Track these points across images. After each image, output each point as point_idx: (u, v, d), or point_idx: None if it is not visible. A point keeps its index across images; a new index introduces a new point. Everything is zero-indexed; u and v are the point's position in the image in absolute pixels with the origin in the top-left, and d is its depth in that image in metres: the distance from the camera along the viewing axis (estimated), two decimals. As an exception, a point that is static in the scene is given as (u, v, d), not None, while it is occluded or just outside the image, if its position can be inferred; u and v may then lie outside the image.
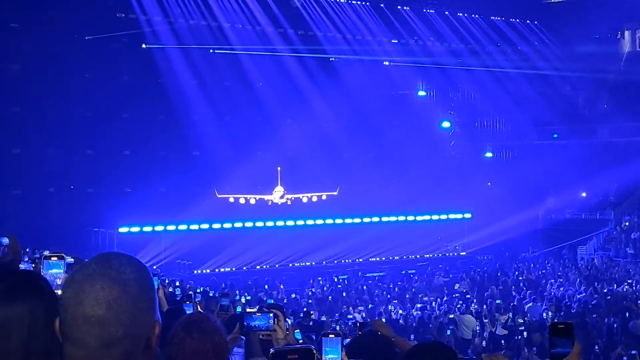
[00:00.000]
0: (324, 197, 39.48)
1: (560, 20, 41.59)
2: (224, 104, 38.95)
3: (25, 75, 34.44)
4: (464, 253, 41.59)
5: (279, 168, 37.80)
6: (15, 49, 33.65)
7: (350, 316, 23.14)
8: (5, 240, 7.02)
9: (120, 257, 2.27)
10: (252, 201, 38.09)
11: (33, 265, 6.35)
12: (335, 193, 38.94)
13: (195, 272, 34.11)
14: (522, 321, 20.41)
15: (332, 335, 3.83)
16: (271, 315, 4.80)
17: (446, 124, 46.05)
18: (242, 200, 37.87)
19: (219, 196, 36.54)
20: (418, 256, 39.90)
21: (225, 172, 37.01)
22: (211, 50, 38.02)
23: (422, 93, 45.64)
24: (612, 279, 30.88)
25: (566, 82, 45.51)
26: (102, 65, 36.17)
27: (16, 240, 7.02)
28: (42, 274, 3.60)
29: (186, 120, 38.88)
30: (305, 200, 39.22)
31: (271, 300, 22.75)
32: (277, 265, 36.48)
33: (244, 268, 35.56)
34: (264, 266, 36.08)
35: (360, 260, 38.32)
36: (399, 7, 42.82)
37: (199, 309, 8.38)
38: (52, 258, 3.75)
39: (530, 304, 24.32)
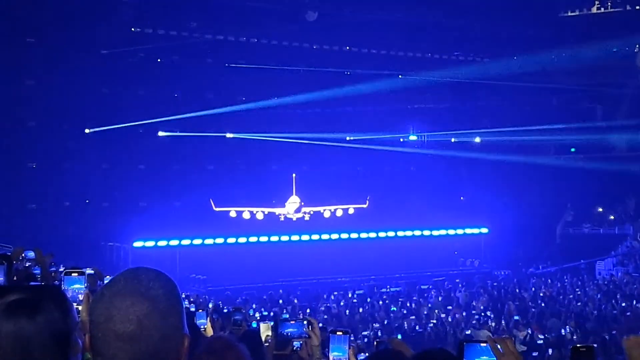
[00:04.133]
0: (351, 211, 38.97)
1: (577, 34, 41.34)
2: (239, 117, 38.94)
3: (41, 90, 34.61)
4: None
5: (293, 175, 37.37)
6: (31, 63, 33.82)
7: (366, 332, 22.89)
8: (31, 254, 7.04)
9: (149, 272, 2.29)
10: (260, 216, 37.49)
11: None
12: (365, 206, 38.40)
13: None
14: (542, 337, 20.15)
15: (340, 333, 3.96)
16: (305, 322, 4.94)
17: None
18: (246, 215, 37.31)
19: (217, 209, 36.06)
20: (434, 272, 39.56)
21: (239, 185, 36.94)
22: (226, 64, 38.01)
23: None
24: (632, 294, 30.47)
25: (584, 95, 45.21)
26: (118, 79, 36.30)
27: (42, 253, 7.03)
28: (63, 289, 3.57)
29: (201, 134, 38.86)
30: (327, 214, 38.62)
31: (286, 315, 22.56)
32: (291, 280, 36.22)
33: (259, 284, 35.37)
34: (279, 281, 35.84)
35: (375, 277, 37.97)
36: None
37: (212, 326, 8.27)
38: (73, 274, 3.78)
39: (551, 320, 24.01)
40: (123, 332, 2.17)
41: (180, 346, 2.28)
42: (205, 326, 7.84)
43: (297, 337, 4.94)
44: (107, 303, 2.21)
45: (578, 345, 3.60)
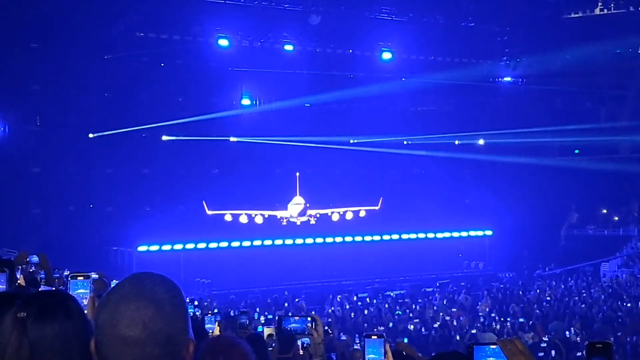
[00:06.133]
0: (362, 214, 38.65)
1: (580, 35, 41.28)
2: (244, 121, 38.96)
3: (44, 95, 34.68)
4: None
5: (297, 174, 37.16)
6: (35, 69, 33.87)
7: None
8: (35, 259, 7.03)
9: (153, 276, 2.32)
10: (259, 219, 37.05)
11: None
12: (377, 208, 38.09)
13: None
14: (547, 339, 20.12)
15: (375, 337, 3.96)
16: (309, 319, 4.98)
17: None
18: (243, 219, 36.88)
19: (209, 212, 35.80)
20: (439, 274, 39.51)
21: (243, 189, 36.89)
22: (230, 68, 37.99)
23: None
24: (637, 296, 30.43)
25: (587, 97, 45.12)
26: (121, 84, 36.32)
27: (46, 258, 7.02)
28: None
29: (205, 137, 38.88)
30: (336, 217, 38.32)
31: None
32: (296, 283, 36.16)
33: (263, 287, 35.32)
34: (284, 284, 35.79)
35: (379, 280, 37.90)
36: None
37: (219, 329, 8.29)
38: (79, 278, 3.76)
39: (554, 322, 23.96)
40: (128, 337, 2.18)
41: (185, 351, 2.29)
42: (213, 330, 7.87)
43: (300, 333, 4.95)
44: (112, 308, 2.22)
45: (594, 341, 3.58)
